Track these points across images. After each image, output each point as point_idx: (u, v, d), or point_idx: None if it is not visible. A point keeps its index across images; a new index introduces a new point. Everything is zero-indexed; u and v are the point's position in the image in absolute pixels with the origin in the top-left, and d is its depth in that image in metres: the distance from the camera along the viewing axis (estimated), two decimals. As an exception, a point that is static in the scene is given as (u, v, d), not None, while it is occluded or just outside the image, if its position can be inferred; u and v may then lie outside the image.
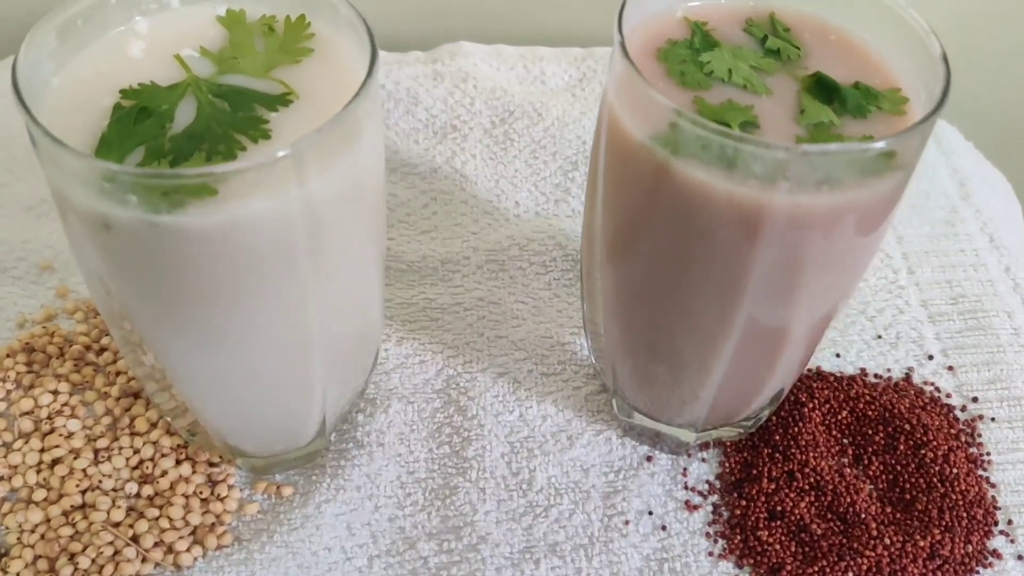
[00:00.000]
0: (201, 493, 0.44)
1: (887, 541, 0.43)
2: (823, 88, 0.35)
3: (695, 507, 0.45)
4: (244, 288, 0.32)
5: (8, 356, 0.48)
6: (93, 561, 0.41)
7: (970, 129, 0.67)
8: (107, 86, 0.33)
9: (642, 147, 0.33)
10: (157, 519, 0.43)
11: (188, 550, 0.42)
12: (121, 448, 0.45)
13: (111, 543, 0.42)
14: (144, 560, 0.42)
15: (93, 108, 0.32)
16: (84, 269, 0.34)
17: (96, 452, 0.45)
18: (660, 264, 0.36)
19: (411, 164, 0.60)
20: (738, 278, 0.34)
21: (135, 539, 0.42)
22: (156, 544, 0.42)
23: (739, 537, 0.44)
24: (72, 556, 0.41)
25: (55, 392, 0.47)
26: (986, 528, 0.45)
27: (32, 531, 0.42)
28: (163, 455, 0.45)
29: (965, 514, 0.45)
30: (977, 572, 0.44)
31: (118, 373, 0.47)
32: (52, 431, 0.45)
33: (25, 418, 0.45)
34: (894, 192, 0.34)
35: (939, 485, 0.46)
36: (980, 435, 0.49)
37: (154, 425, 0.46)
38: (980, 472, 0.47)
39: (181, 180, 0.29)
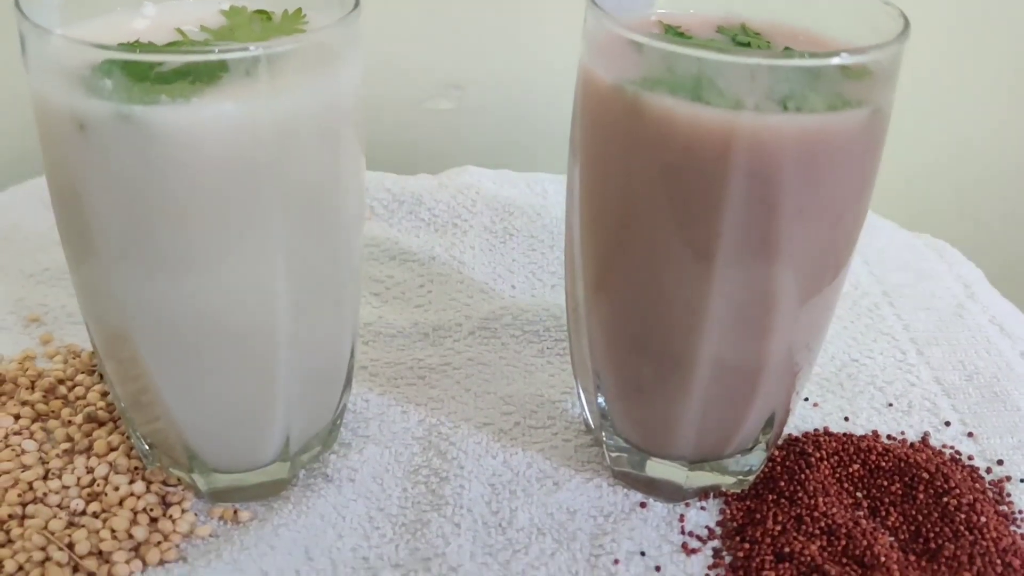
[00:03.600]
0: (151, 511, 0.40)
1: (911, 579, 0.38)
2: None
3: (693, 551, 0.41)
4: (210, 209, 0.32)
5: (-23, 387, 0.47)
6: (20, 567, 0.37)
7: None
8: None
9: (613, 90, 0.34)
10: (98, 531, 0.39)
11: (127, 563, 0.38)
12: (75, 468, 0.42)
13: (42, 549, 0.38)
14: (76, 570, 0.38)
15: (87, 55, 0.33)
16: (58, 196, 0.34)
17: (47, 472, 0.42)
18: (636, 219, 0.35)
19: (410, 252, 0.61)
20: (713, 223, 0.33)
21: (70, 546, 0.38)
22: (92, 553, 0.38)
23: (743, 579, 0.39)
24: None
25: (17, 416, 0.45)
26: (1026, 580, 0.39)
27: (-38, 536, 0.39)
28: (118, 473, 0.42)
29: (999, 560, 0.40)
30: (1020, 625, 0.38)
31: (86, 405, 0.46)
32: (6, 448, 0.42)
33: (-20, 437, 0.43)
34: (864, 134, 0.33)
35: (967, 533, 0.41)
36: (1009, 495, 0.44)
37: (114, 449, 0.43)
38: (1013, 528, 0.42)
39: (158, 59, 0.30)
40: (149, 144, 0.30)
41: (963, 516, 0.41)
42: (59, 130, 0.32)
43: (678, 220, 0.34)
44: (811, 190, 0.33)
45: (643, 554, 0.40)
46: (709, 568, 0.40)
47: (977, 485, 0.44)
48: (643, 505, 0.43)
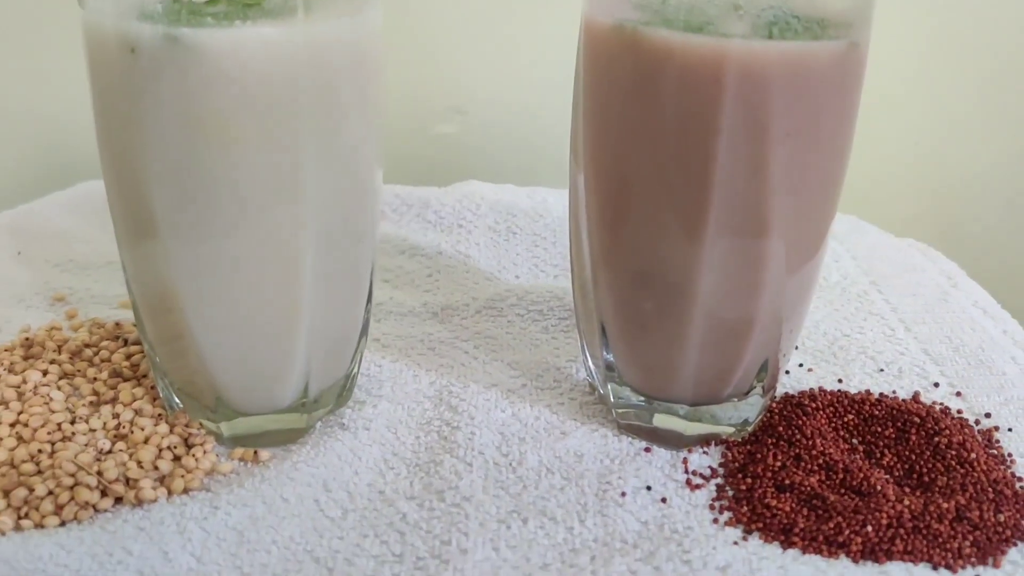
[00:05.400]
0: (175, 449, 0.42)
1: (907, 502, 0.40)
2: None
3: (697, 486, 0.42)
4: (249, 127, 0.35)
5: (6, 351, 0.48)
6: (50, 492, 0.39)
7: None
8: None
9: (613, 31, 0.37)
10: (125, 463, 0.40)
11: (153, 489, 0.39)
12: (100, 415, 0.44)
13: (72, 475, 0.39)
14: (104, 494, 0.39)
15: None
16: (107, 128, 0.37)
17: (75, 418, 0.44)
18: (638, 151, 0.38)
19: (418, 247, 0.63)
20: (709, 146, 0.36)
21: (99, 475, 0.39)
22: (119, 480, 0.39)
23: (746, 507, 0.41)
24: (31, 488, 0.39)
25: (45, 372, 0.46)
26: (1018, 507, 0.41)
27: (-6, 467, 0.40)
28: (142, 417, 0.43)
29: (991, 489, 0.41)
30: (1016, 544, 0.39)
31: (111, 365, 0.47)
32: (35, 396, 0.44)
33: (10, 389, 0.45)
34: (842, 65, 0.37)
35: (958, 467, 0.43)
36: (998, 441, 0.46)
37: (138, 399, 0.45)
38: (1002, 467, 0.44)
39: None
40: (195, 63, 0.34)
41: (954, 453, 0.43)
42: (111, 56, 0.35)
43: (677, 147, 0.37)
44: (796, 114, 0.36)
45: (649, 488, 0.42)
46: (713, 500, 0.42)
47: (967, 430, 0.46)
48: (647, 450, 0.45)
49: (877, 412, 0.46)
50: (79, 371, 0.47)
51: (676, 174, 0.38)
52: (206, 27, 0.33)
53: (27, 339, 0.49)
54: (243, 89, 0.34)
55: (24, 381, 0.45)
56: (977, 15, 0.76)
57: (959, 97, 0.80)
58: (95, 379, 0.46)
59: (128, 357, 0.48)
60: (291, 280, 0.40)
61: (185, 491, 0.40)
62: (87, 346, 0.49)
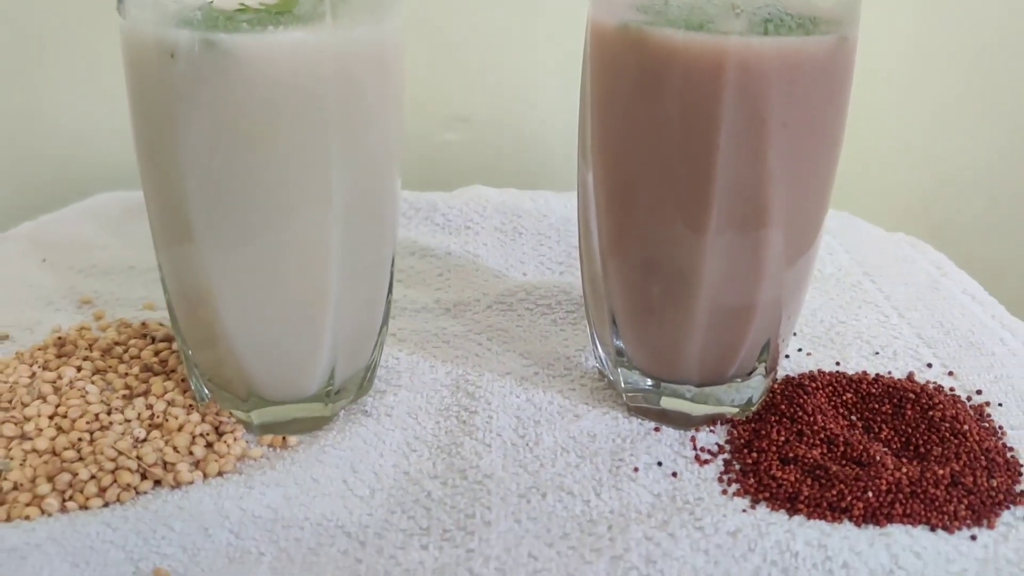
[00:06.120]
0: (208, 436, 0.44)
1: (905, 469, 0.42)
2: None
3: (706, 461, 0.45)
4: (281, 126, 0.37)
5: (40, 350, 0.50)
6: (93, 476, 0.41)
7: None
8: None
9: (618, 30, 0.40)
10: (162, 449, 0.42)
11: (189, 472, 0.41)
12: (135, 407, 0.46)
13: (113, 460, 0.41)
14: (144, 477, 0.41)
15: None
16: (145, 132, 0.39)
17: (110, 410, 0.46)
18: (645, 144, 0.41)
19: (428, 248, 0.66)
20: (712, 136, 0.39)
21: (138, 458, 0.41)
22: (157, 464, 0.41)
23: (753, 479, 0.43)
24: (74, 473, 0.41)
25: (78, 368, 0.48)
26: (1010, 473, 0.43)
27: (38, 455, 0.42)
28: (174, 407, 0.45)
29: (984, 457, 0.44)
30: (1009, 508, 0.41)
31: (141, 362, 0.49)
32: (71, 390, 0.46)
33: (46, 384, 0.47)
34: (834, 58, 0.39)
35: (952, 438, 0.45)
36: (990, 415, 0.48)
37: (169, 392, 0.47)
38: (994, 439, 0.46)
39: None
40: (231, 67, 0.36)
41: (948, 425, 0.46)
42: (151, 62, 0.37)
43: (681, 139, 0.40)
44: (791, 104, 0.39)
45: (660, 464, 0.44)
46: (721, 474, 0.44)
47: (959, 405, 0.48)
48: (657, 430, 0.47)
49: (874, 390, 0.49)
50: (111, 367, 0.49)
51: (681, 165, 0.40)
52: (241, 32, 0.36)
53: (59, 338, 0.51)
54: (275, 91, 0.37)
55: (59, 377, 0.48)
56: (964, 11, 0.79)
57: (944, 99, 0.83)
58: (126, 374, 0.48)
59: (156, 354, 0.50)
60: (319, 276, 0.42)
61: (219, 474, 0.42)
62: (117, 344, 0.51)
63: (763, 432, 0.46)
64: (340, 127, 0.38)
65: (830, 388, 0.49)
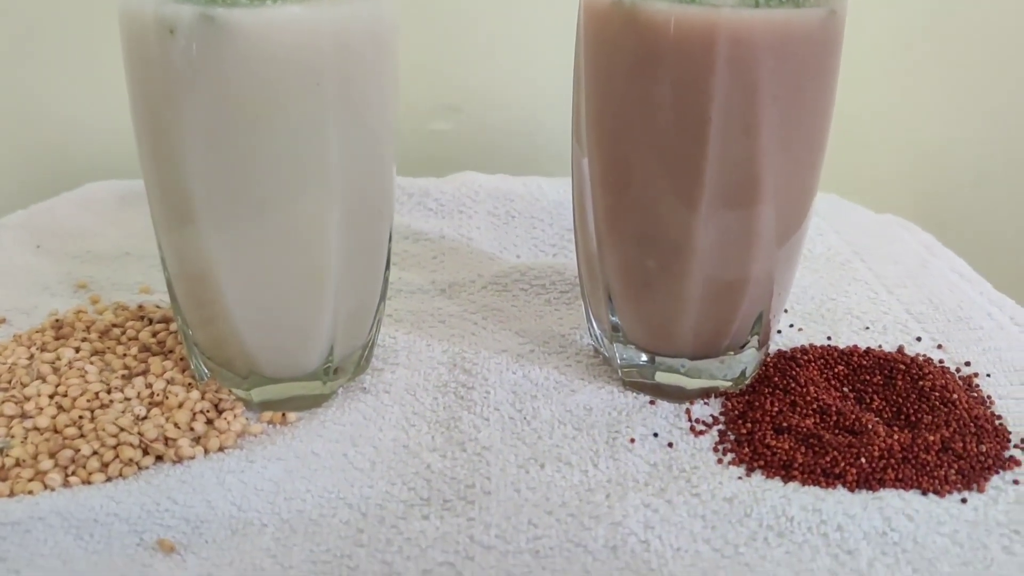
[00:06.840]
0: (208, 413, 0.44)
1: (896, 436, 0.43)
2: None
3: (701, 432, 0.45)
4: (279, 101, 0.38)
5: (37, 332, 0.51)
6: (95, 452, 0.41)
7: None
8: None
9: (611, 6, 0.40)
10: (163, 425, 0.43)
11: (191, 447, 0.42)
12: (134, 386, 0.46)
13: (114, 436, 0.42)
14: (146, 452, 0.41)
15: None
16: (144, 110, 0.40)
17: (110, 388, 0.46)
18: (639, 117, 0.41)
19: (422, 232, 0.66)
20: (704, 108, 0.39)
21: (139, 434, 0.42)
22: (158, 440, 0.42)
23: (747, 448, 0.44)
24: (76, 449, 0.41)
25: (77, 349, 0.49)
26: (998, 440, 0.44)
27: (39, 432, 0.42)
28: (173, 385, 0.46)
29: (973, 424, 0.44)
30: (998, 472, 0.42)
31: (139, 343, 0.50)
32: (71, 370, 0.46)
33: (45, 365, 0.47)
34: (822, 31, 0.40)
35: (942, 407, 0.46)
36: (978, 385, 0.49)
37: (168, 371, 0.47)
38: (982, 407, 0.47)
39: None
40: (229, 41, 0.36)
41: (937, 395, 0.46)
42: (150, 39, 0.37)
43: (675, 113, 0.40)
44: (782, 76, 0.39)
45: (656, 435, 0.45)
46: (716, 444, 0.44)
47: (948, 375, 0.49)
48: (652, 403, 0.47)
49: (865, 363, 0.49)
50: (109, 348, 0.49)
51: (675, 138, 0.41)
52: (240, 6, 0.36)
53: (57, 321, 0.51)
54: (274, 65, 0.37)
55: (58, 358, 0.48)
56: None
57: (931, 81, 0.84)
58: (125, 355, 0.49)
59: (154, 335, 0.51)
60: (318, 253, 0.42)
61: (221, 449, 0.42)
62: (114, 326, 0.51)
63: (757, 403, 0.46)
64: (338, 102, 0.39)
65: (822, 361, 0.50)
